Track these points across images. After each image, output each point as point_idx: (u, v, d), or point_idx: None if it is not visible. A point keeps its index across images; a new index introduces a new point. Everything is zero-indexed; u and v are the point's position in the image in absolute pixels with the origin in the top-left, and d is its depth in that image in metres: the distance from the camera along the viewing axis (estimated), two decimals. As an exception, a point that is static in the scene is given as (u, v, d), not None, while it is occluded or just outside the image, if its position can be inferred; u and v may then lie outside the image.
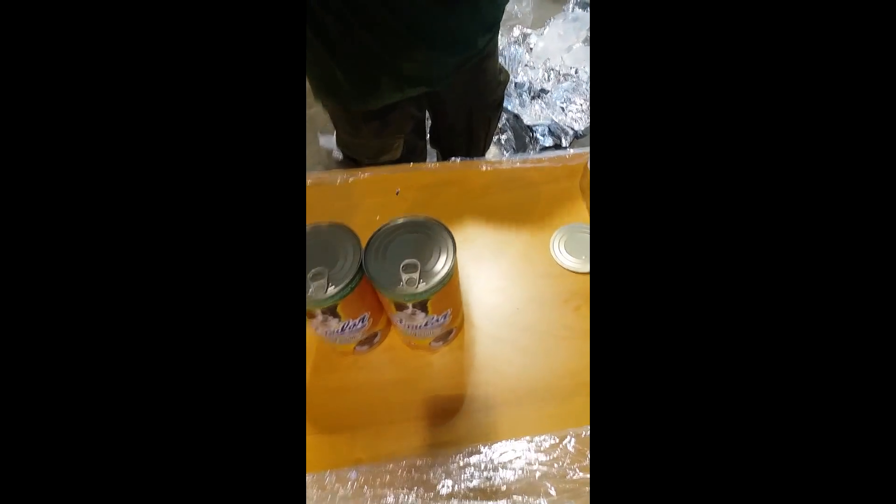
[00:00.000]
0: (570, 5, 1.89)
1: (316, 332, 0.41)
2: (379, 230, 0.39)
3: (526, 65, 1.66)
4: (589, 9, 1.85)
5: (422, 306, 0.38)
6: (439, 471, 0.39)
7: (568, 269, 0.52)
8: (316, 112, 1.77)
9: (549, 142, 1.47)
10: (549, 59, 1.65)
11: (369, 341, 0.45)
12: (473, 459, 0.40)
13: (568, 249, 0.54)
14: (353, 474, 0.39)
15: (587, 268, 0.52)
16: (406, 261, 0.37)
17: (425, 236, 0.39)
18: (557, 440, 0.40)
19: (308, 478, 0.39)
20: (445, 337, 0.45)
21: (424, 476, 0.39)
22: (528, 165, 0.63)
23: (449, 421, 0.42)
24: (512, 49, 1.71)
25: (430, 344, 0.45)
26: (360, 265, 0.37)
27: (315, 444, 0.41)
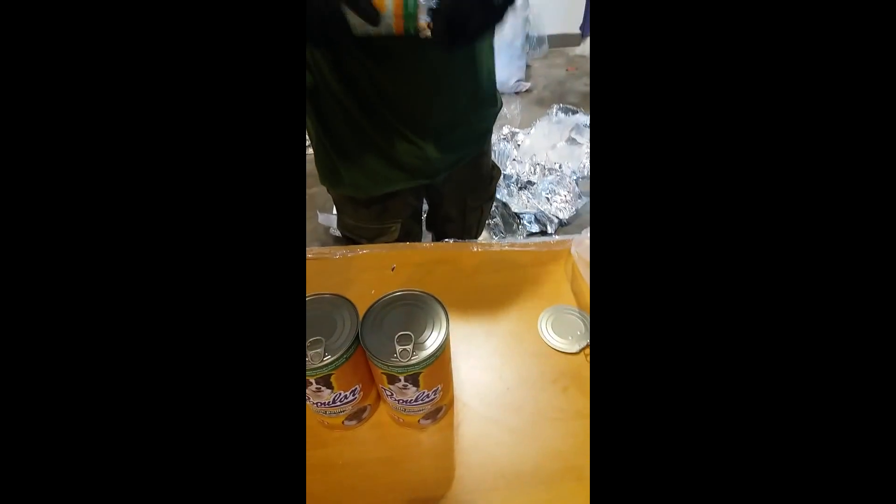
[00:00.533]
0: (554, 110, 2.10)
1: (307, 402, 0.41)
2: (375, 302, 0.41)
3: (514, 159, 1.79)
4: (571, 114, 2.05)
5: (413, 380, 0.39)
6: (424, 560, 0.37)
7: (556, 349, 0.53)
8: (315, 192, 1.86)
9: (535, 228, 1.55)
10: (535, 154, 1.79)
11: (358, 416, 0.45)
12: (460, 547, 0.38)
13: (555, 330, 0.55)
14: (332, 562, 0.37)
15: (574, 348, 0.53)
16: (401, 333, 0.38)
17: (420, 310, 0.41)
18: (547, 528, 0.39)
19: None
20: (435, 415, 0.45)
21: (408, 565, 0.37)
22: (517, 249, 0.67)
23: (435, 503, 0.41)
24: (501, 145, 1.86)
25: (419, 421, 0.45)
26: (357, 336, 0.38)
27: (294, 526, 0.39)
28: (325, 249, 0.64)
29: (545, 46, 2.95)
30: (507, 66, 2.41)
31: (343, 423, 0.44)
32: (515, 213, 1.57)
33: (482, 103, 0.71)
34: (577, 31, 3.04)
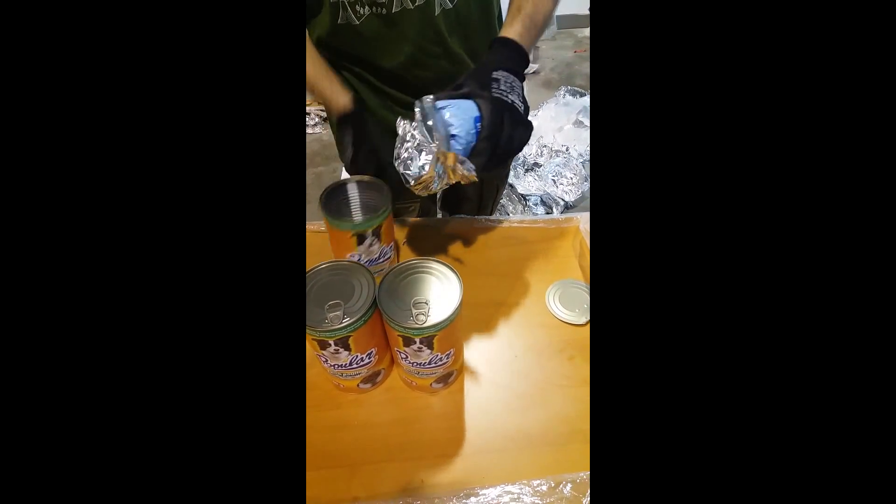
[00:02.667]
0: (562, 92, 2.08)
1: (324, 364, 0.43)
2: (392, 269, 0.42)
3: (521, 140, 1.78)
4: (578, 96, 2.04)
5: (428, 342, 0.40)
6: (436, 512, 0.39)
7: (562, 321, 0.55)
8: (322, 171, 1.87)
9: (540, 211, 1.56)
10: (542, 136, 1.79)
11: (372, 379, 0.47)
12: (471, 501, 0.40)
13: (562, 303, 0.57)
14: (349, 512, 0.39)
15: (580, 320, 0.55)
16: (416, 297, 0.40)
17: (434, 277, 0.42)
18: (553, 485, 0.41)
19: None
20: (446, 379, 0.47)
21: (422, 516, 0.39)
22: (526, 225, 0.68)
23: (447, 462, 0.43)
24: (508, 126, 1.85)
25: (431, 385, 0.46)
26: (374, 299, 0.40)
27: (314, 479, 0.41)
28: (338, 222, 0.65)
29: (553, 27, 2.91)
30: (514, 47, 2.37)
31: (358, 385, 0.46)
32: (522, 195, 1.57)
33: None
34: (586, 12, 2.99)
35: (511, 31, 0.49)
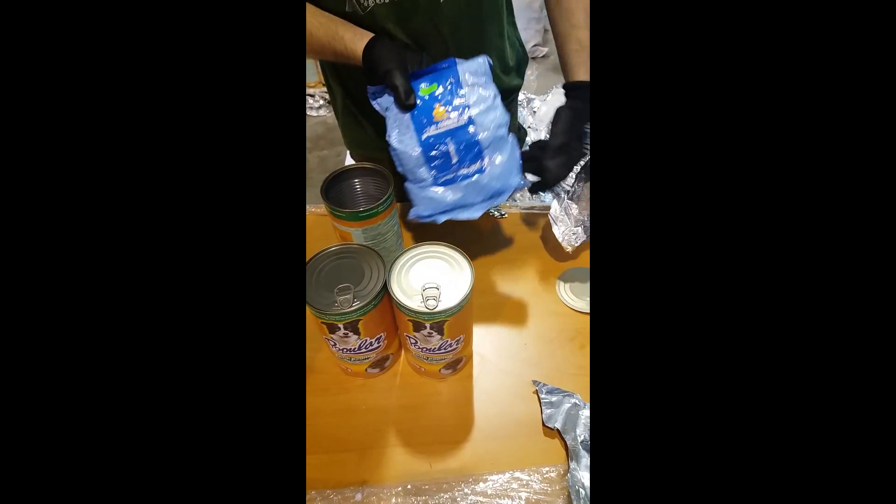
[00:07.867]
0: (571, 77, 2.04)
1: (333, 348, 0.43)
2: (402, 253, 0.42)
3: (529, 126, 1.76)
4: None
5: (439, 328, 0.39)
6: (445, 497, 0.39)
7: (573, 309, 0.54)
8: (326, 154, 1.85)
9: (547, 199, 1.54)
10: (550, 122, 1.76)
11: (381, 364, 0.46)
12: (479, 487, 0.40)
13: (573, 291, 0.56)
14: (358, 496, 0.39)
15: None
16: (427, 282, 0.39)
17: (445, 262, 0.41)
18: (563, 472, 0.41)
19: (313, 494, 0.38)
20: (455, 365, 0.47)
21: (430, 501, 0.39)
22: (536, 211, 0.67)
23: (456, 448, 0.42)
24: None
25: (440, 371, 0.46)
26: (384, 284, 0.39)
27: (322, 463, 0.41)
28: (346, 206, 0.64)
29: (564, 10, 2.83)
30: (523, 30, 2.33)
31: (366, 370, 0.46)
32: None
33: (506, 70, 0.69)
34: (597, -6, 2.92)
35: (585, 71, 0.57)
